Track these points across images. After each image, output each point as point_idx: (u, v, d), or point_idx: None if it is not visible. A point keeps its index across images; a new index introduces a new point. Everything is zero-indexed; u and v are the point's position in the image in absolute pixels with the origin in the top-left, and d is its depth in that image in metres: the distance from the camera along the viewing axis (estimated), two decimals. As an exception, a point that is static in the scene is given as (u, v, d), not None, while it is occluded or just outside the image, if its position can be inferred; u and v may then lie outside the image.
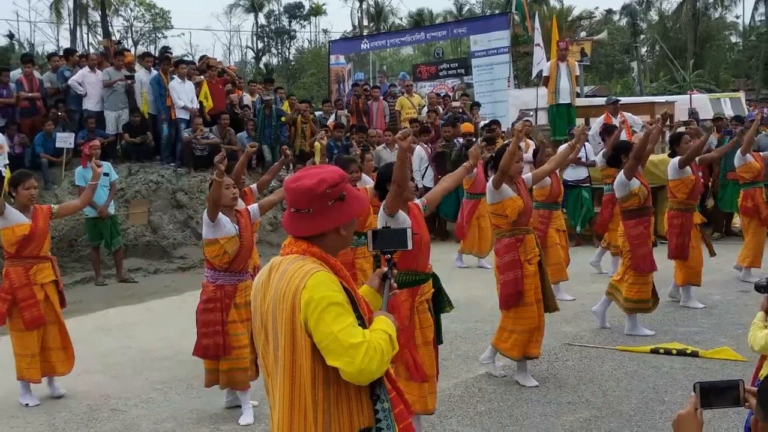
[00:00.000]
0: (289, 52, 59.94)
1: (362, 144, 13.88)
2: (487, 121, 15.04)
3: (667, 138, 10.45)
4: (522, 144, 7.76)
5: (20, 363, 6.49)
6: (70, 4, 44.99)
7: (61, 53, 16.40)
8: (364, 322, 2.65)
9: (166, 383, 6.86)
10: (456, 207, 12.38)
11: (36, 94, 13.90)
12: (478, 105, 17.01)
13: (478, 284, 9.88)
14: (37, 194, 6.68)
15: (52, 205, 6.80)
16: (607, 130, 10.35)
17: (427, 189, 13.42)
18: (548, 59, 15.34)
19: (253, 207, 6.16)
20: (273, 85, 17.31)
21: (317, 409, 2.59)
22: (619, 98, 14.59)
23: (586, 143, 12.38)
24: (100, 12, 43.81)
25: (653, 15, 55.57)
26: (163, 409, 6.26)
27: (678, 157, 8.65)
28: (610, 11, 55.98)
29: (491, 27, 19.57)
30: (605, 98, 15.75)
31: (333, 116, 16.76)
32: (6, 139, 12.86)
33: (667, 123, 9.53)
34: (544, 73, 14.71)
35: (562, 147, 8.83)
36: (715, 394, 2.26)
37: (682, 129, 11.50)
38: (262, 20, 58.64)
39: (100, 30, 45.31)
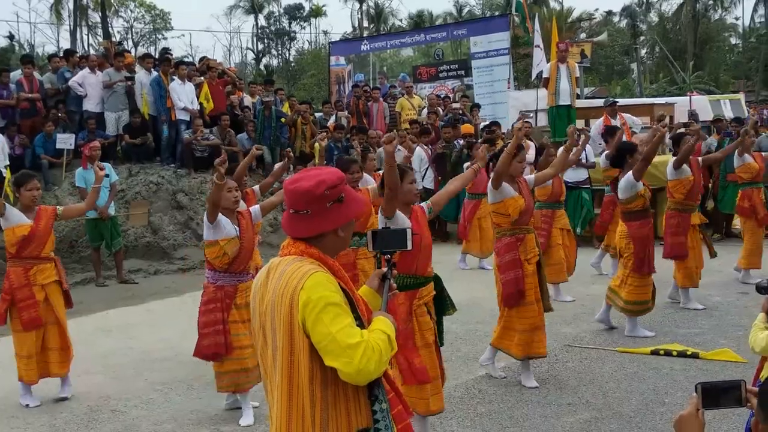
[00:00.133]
0: (289, 54, 59.98)
1: (363, 145, 13.88)
2: (487, 123, 15.05)
3: (667, 139, 10.44)
4: (522, 144, 7.76)
5: (19, 363, 6.50)
6: (71, 5, 44.99)
7: (62, 54, 16.40)
8: (362, 322, 2.65)
9: (167, 384, 6.87)
10: (456, 208, 12.39)
11: (36, 95, 13.91)
12: (478, 106, 17.02)
13: (479, 285, 9.88)
14: (40, 194, 6.65)
15: (58, 207, 6.78)
16: (609, 132, 10.35)
17: (426, 190, 13.45)
18: (548, 61, 15.35)
19: (255, 208, 6.17)
20: (273, 87, 17.32)
21: (315, 410, 2.59)
22: (616, 100, 14.61)
23: (582, 137, 12.39)
24: (100, 13, 43.80)
25: (653, 16, 55.62)
26: (163, 410, 6.26)
27: (673, 158, 8.68)
28: (610, 13, 55.97)
29: (491, 28, 19.59)
30: (604, 100, 15.76)
31: (333, 117, 16.77)
32: (6, 140, 12.86)
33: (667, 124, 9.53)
34: (544, 75, 14.72)
35: (560, 150, 8.84)
36: (717, 394, 2.26)
37: (682, 130, 11.50)
38: (262, 21, 58.68)
39: (100, 31, 45.31)
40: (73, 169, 12.42)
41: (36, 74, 14.37)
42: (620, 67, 51.68)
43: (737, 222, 11.48)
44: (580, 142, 9.74)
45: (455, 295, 5.33)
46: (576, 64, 15.28)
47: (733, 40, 55.73)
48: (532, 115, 15.89)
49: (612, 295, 7.90)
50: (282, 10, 58.45)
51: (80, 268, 11.98)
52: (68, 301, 6.75)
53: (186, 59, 23.06)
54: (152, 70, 14.51)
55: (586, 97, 22.10)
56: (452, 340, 7.47)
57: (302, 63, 51.39)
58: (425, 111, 17.13)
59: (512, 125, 14.00)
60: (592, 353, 7.28)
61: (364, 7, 53.98)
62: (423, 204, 5.23)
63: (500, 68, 18.84)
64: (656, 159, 11.61)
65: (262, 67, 56.10)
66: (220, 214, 5.80)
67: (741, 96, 23.11)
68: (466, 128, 14.88)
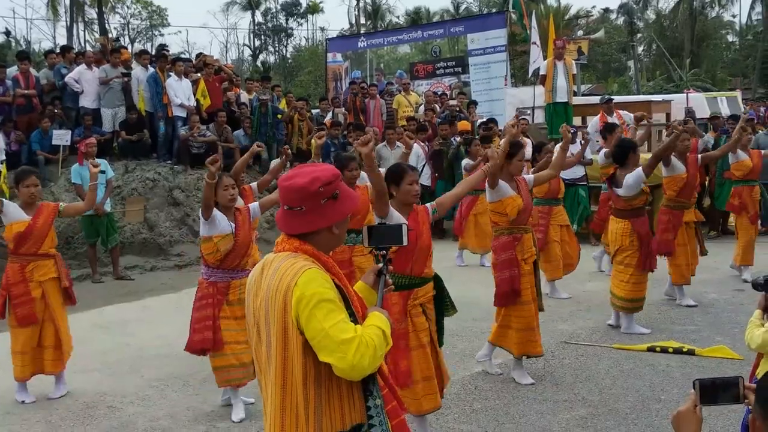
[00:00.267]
0: (286, 50, 59.97)
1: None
2: (484, 120, 15.04)
3: (664, 136, 10.45)
4: (521, 142, 7.73)
5: (13, 359, 6.51)
6: (67, 1, 44.94)
7: (58, 50, 16.37)
8: (356, 318, 2.66)
9: (163, 381, 6.86)
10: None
11: (32, 91, 13.88)
12: (475, 103, 17.00)
13: (476, 283, 9.88)
14: (39, 191, 6.62)
15: (60, 204, 6.74)
16: (607, 129, 10.35)
17: (423, 187, 13.41)
18: (545, 58, 15.35)
19: (254, 205, 6.16)
20: (270, 83, 17.30)
21: (308, 406, 2.60)
22: (612, 97, 14.62)
23: (582, 142, 12.39)
24: (96, 9, 43.79)
25: (650, 14, 55.70)
26: (159, 407, 6.25)
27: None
28: (607, 10, 56.05)
29: (488, 25, 19.55)
30: (600, 97, 15.77)
31: (330, 114, 16.76)
32: (2, 136, 12.84)
33: (657, 123, 9.54)
34: (541, 72, 14.72)
35: (556, 148, 8.84)
36: (715, 391, 2.26)
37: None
38: (259, 18, 58.65)
39: (96, 27, 45.30)
40: (70, 165, 12.39)
41: (32, 70, 14.34)
42: (617, 64, 51.76)
43: (733, 219, 11.50)
44: (581, 144, 9.75)
45: (451, 292, 5.31)
46: (573, 61, 15.30)
47: (730, 38, 55.89)
48: (529, 112, 15.90)
49: (614, 299, 7.91)
50: (279, 7, 58.49)
51: (76, 264, 11.97)
52: (70, 299, 6.72)
53: (183, 56, 23.02)
54: (149, 66, 14.50)
55: (583, 95, 22.13)
56: (448, 336, 7.39)
57: (299, 60, 51.37)
58: (422, 108, 17.10)
59: (508, 122, 14.01)
60: (589, 350, 7.28)
61: (361, 4, 53.95)
62: (428, 204, 5.19)
63: (497, 65, 18.81)
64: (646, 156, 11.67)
65: (258, 63, 56.05)
66: (216, 210, 5.80)
67: (738, 93, 23.19)
68: (463, 125, 14.89)
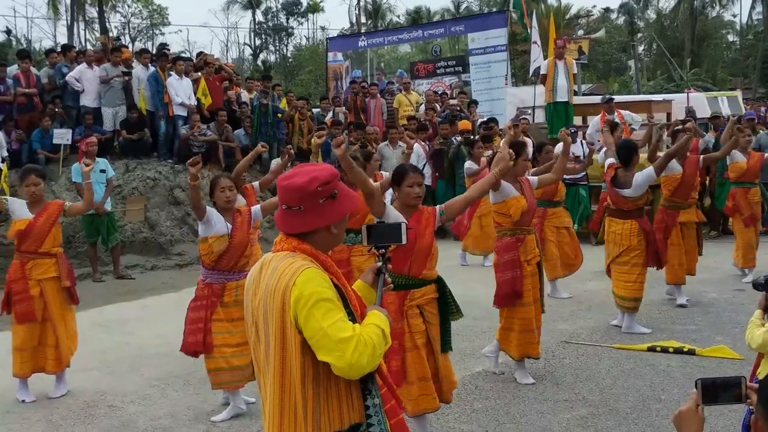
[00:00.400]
0: (287, 49, 59.92)
1: (360, 142, 13.86)
2: (484, 119, 15.05)
3: (665, 136, 10.45)
4: (523, 142, 7.75)
5: (13, 356, 6.52)
6: (68, 0, 44.90)
7: (59, 49, 16.36)
8: (354, 318, 2.66)
9: (163, 380, 6.86)
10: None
11: (33, 90, 13.88)
12: (475, 103, 17.01)
13: (476, 282, 9.87)
14: (40, 189, 6.59)
15: (66, 203, 6.75)
16: (612, 126, 10.33)
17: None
18: (545, 57, 15.35)
19: (256, 208, 6.10)
20: (270, 82, 17.29)
21: (307, 405, 2.60)
22: (613, 96, 14.62)
23: (583, 141, 12.39)
24: (97, 8, 43.77)
25: (651, 13, 55.65)
26: (159, 406, 6.25)
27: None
28: (607, 9, 55.97)
29: (489, 25, 19.56)
30: (601, 96, 15.77)
31: (331, 113, 16.76)
32: (3, 135, 12.85)
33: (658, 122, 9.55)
34: (542, 72, 14.72)
35: (558, 148, 8.84)
36: (717, 391, 2.26)
37: (679, 127, 11.50)
38: (259, 17, 58.61)
39: (97, 26, 45.28)
40: (70, 164, 12.40)
41: (33, 69, 14.35)
42: (618, 64, 51.73)
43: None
44: (581, 143, 9.75)
45: (452, 291, 5.27)
46: (573, 61, 15.30)
47: (730, 38, 55.82)
48: (529, 111, 15.89)
49: (617, 299, 7.92)
50: (279, 6, 58.42)
51: (77, 263, 11.94)
52: (72, 298, 6.69)
53: (183, 55, 22.99)
54: (149, 65, 14.50)
55: (584, 94, 22.10)
56: (449, 336, 7.46)
57: (300, 59, 51.34)
58: (423, 107, 17.11)
59: (505, 124, 14.02)
60: (589, 350, 7.28)
61: (362, 3, 53.90)
62: (437, 207, 5.12)
63: (498, 65, 18.81)
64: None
65: (259, 62, 56.05)
66: (213, 211, 5.80)
67: (738, 93, 23.14)
68: (464, 125, 14.88)
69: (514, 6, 19.57)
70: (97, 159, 11.44)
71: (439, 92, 19.11)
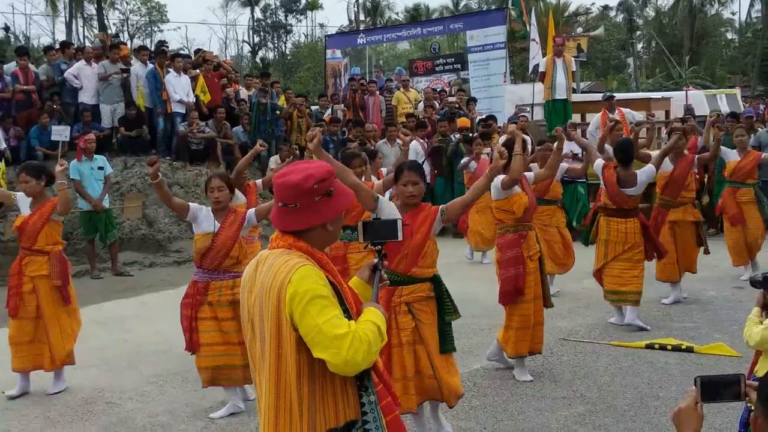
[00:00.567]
0: (286, 47, 59.90)
1: (359, 138, 13.87)
2: (483, 117, 15.04)
3: (664, 133, 10.45)
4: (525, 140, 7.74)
5: (11, 349, 6.56)
6: (66, -4, 44.86)
7: (58, 46, 16.35)
8: (350, 315, 2.66)
9: (161, 377, 6.86)
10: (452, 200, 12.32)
11: (31, 87, 13.87)
12: (474, 100, 16.98)
13: (475, 279, 9.88)
14: (31, 187, 6.64)
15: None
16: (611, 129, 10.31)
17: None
18: (544, 55, 15.35)
19: (250, 212, 5.98)
20: (269, 79, 17.28)
21: (302, 402, 2.60)
22: (614, 94, 14.61)
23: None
24: (95, 5, 43.70)
25: (649, 11, 55.66)
26: (158, 403, 6.25)
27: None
28: (606, 7, 55.95)
29: (488, 22, 19.56)
30: (601, 94, 15.76)
31: (329, 111, 16.75)
32: (1, 132, 12.83)
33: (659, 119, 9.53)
34: (541, 69, 14.71)
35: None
36: (716, 388, 2.26)
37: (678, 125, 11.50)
38: (258, 14, 58.57)
39: (96, 23, 45.22)
40: (68, 161, 12.35)
41: (31, 66, 14.33)
42: (616, 61, 51.76)
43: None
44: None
45: (450, 289, 5.21)
46: (572, 59, 15.30)
47: (729, 36, 55.85)
48: (528, 109, 15.88)
49: (617, 295, 7.91)
50: (278, 3, 58.36)
51: (75, 260, 11.92)
52: (63, 298, 6.59)
53: (182, 52, 22.97)
54: (148, 62, 14.48)
55: (582, 92, 22.14)
56: (447, 333, 7.45)
57: (298, 56, 51.33)
58: (421, 105, 17.10)
59: (508, 119, 14.01)
60: (587, 347, 7.29)
61: (361, 1, 53.91)
62: (440, 207, 5.08)
63: (497, 62, 18.81)
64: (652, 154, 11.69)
65: (258, 60, 56.01)
66: (203, 208, 5.86)
67: (737, 91, 23.17)
68: (463, 122, 14.87)
69: (513, 3, 19.59)
70: (96, 156, 11.46)
71: (438, 89, 19.08)
